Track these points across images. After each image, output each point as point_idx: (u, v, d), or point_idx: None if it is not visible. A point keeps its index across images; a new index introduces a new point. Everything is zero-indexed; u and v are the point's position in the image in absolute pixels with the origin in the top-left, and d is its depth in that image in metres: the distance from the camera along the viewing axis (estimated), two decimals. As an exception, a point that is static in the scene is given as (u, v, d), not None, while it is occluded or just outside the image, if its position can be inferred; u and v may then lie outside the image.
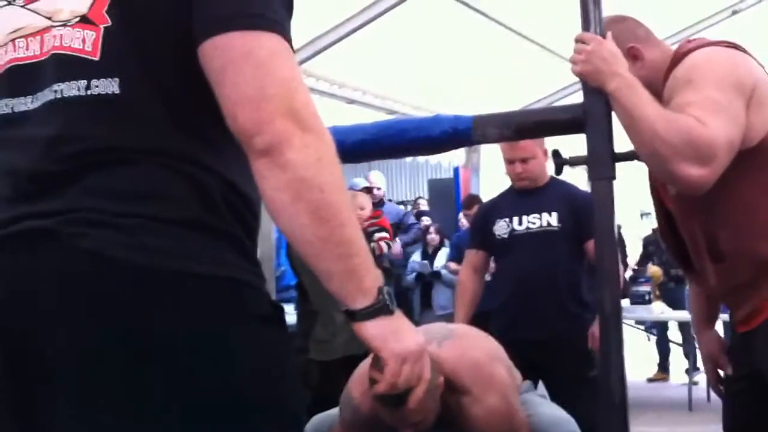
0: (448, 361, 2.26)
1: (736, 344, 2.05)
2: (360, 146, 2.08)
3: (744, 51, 1.91)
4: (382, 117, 5.92)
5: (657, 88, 1.90)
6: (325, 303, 4.61)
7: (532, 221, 3.47)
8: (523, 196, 3.56)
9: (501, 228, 3.54)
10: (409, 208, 8.84)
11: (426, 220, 8.04)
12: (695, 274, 2.07)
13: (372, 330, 1.15)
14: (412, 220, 7.26)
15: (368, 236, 4.91)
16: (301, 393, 1.20)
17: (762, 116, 1.82)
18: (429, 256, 7.48)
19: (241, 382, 1.08)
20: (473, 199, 6.77)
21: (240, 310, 1.10)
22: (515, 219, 3.52)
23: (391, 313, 1.16)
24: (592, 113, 1.90)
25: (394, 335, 1.16)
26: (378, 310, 1.14)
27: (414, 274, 7.37)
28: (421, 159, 8.22)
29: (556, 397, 3.02)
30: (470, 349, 2.37)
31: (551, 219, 3.44)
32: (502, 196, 3.76)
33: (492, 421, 2.27)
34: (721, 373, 2.15)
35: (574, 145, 2.01)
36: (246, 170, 1.11)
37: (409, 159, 8.35)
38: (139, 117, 1.11)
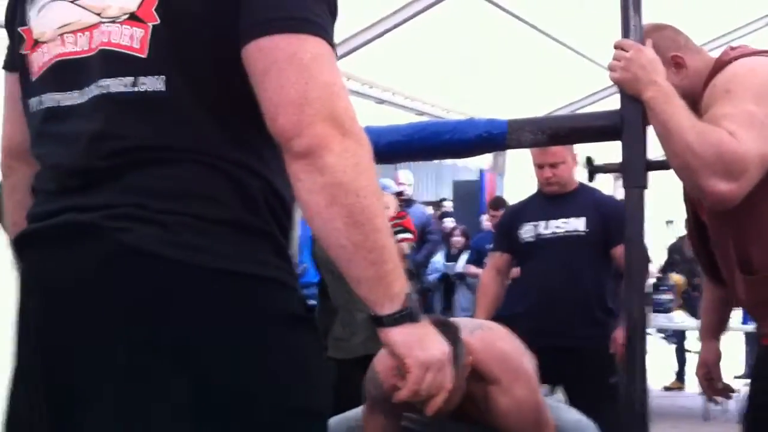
0: (477, 349, 2.26)
1: (760, 357, 2.05)
2: (393, 147, 2.09)
3: None
4: (411, 117, 5.93)
5: (697, 95, 1.89)
6: (344, 301, 4.63)
7: (560, 226, 3.47)
8: (551, 200, 3.56)
9: (527, 231, 3.54)
10: (431, 210, 8.83)
11: (450, 222, 8.03)
12: (722, 284, 2.07)
13: (397, 336, 1.15)
14: (433, 228, 7.17)
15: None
16: (328, 392, 1.21)
17: None
18: (453, 257, 7.48)
19: (276, 381, 1.10)
20: (500, 201, 6.76)
21: (275, 309, 1.12)
22: (542, 223, 3.51)
23: (417, 320, 1.16)
24: (628, 121, 1.90)
25: (419, 343, 1.16)
26: (404, 317, 1.15)
27: (437, 274, 7.37)
28: (447, 161, 8.21)
29: (575, 402, 3.02)
30: (500, 341, 2.39)
31: (579, 224, 3.44)
32: (530, 200, 3.76)
33: (520, 411, 2.27)
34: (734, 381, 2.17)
35: (601, 152, 2.01)
36: (282, 172, 1.13)
37: (435, 160, 8.34)
38: (183, 116, 1.13)
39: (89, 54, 1.18)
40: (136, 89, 1.13)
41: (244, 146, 1.14)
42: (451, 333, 1.96)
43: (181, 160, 1.12)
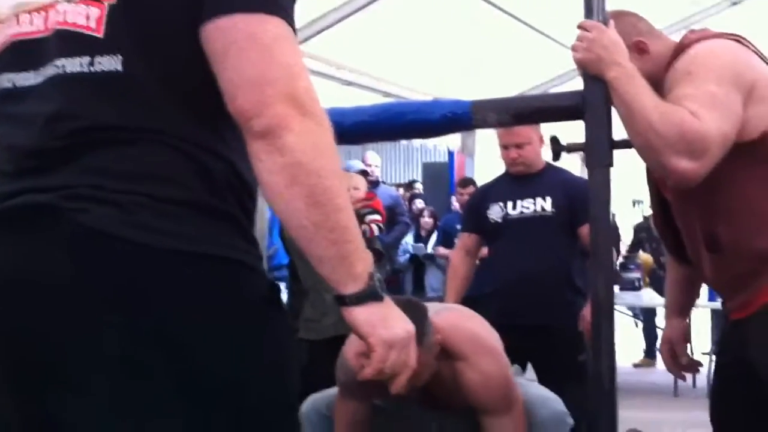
0: (445, 328, 2.29)
1: (728, 332, 2.07)
2: (358, 128, 2.08)
3: (747, 44, 1.92)
4: (378, 99, 5.92)
5: (659, 80, 1.91)
6: (314, 283, 4.63)
7: (526, 206, 3.49)
8: (517, 181, 3.57)
9: (495, 212, 3.55)
10: (402, 191, 8.84)
11: (420, 204, 8.04)
12: (686, 262, 2.09)
13: (360, 316, 1.15)
14: (402, 209, 7.15)
15: (360, 218, 4.91)
16: (296, 371, 1.21)
17: (762, 111, 1.82)
18: (422, 238, 7.50)
19: (239, 360, 1.09)
20: (468, 180, 6.79)
21: (239, 291, 1.11)
22: (509, 203, 3.53)
23: (380, 299, 1.16)
24: (591, 101, 1.91)
25: (383, 322, 1.17)
26: (367, 296, 1.15)
27: (407, 255, 7.39)
28: (416, 142, 8.21)
29: (545, 380, 3.05)
30: (467, 320, 2.42)
31: (545, 204, 3.46)
32: (497, 181, 3.77)
33: (488, 386, 2.31)
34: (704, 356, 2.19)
35: (570, 131, 2.02)
36: (245, 154, 1.12)
37: (404, 142, 8.35)
38: (142, 96, 1.11)
39: (45, 34, 1.16)
40: (92, 69, 1.12)
41: (205, 127, 1.13)
42: (417, 313, 1.97)
43: (139, 140, 1.10)
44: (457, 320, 2.40)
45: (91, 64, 1.12)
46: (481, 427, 2.40)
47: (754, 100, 1.81)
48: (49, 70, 1.14)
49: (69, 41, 1.14)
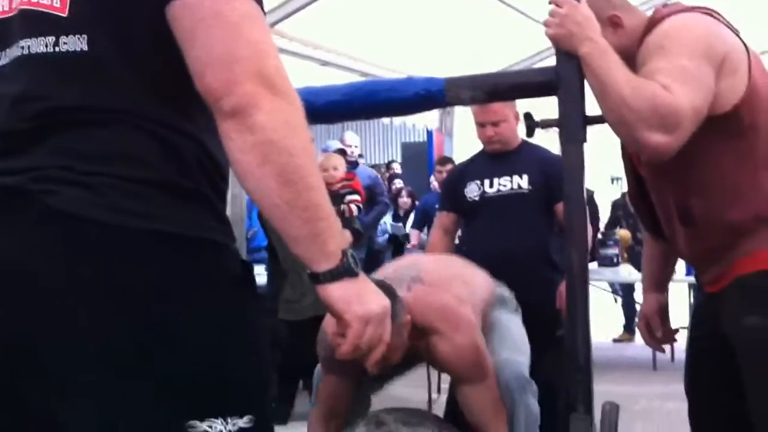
0: (415, 305, 2.35)
1: (701, 304, 2.10)
2: (331, 107, 2.08)
3: (719, 17, 1.92)
4: (355, 79, 5.88)
5: (633, 54, 1.91)
6: (293, 263, 4.63)
7: (503, 184, 3.49)
8: (494, 159, 3.57)
9: (472, 190, 3.56)
10: (382, 170, 8.83)
11: (399, 183, 8.04)
12: (661, 237, 2.11)
13: (335, 292, 1.16)
14: (382, 189, 7.14)
15: (340, 198, 4.91)
16: (268, 349, 1.22)
17: (733, 83, 1.83)
18: (401, 218, 7.50)
19: (212, 339, 1.09)
20: (447, 158, 6.79)
21: (211, 270, 1.11)
22: (486, 181, 3.53)
23: (355, 275, 1.17)
24: (564, 76, 1.91)
25: (358, 298, 1.18)
26: (342, 272, 1.15)
27: (386, 235, 7.39)
28: (395, 122, 8.18)
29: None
30: (438, 293, 2.44)
31: (522, 182, 3.47)
32: (474, 159, 3.77)
33: (460, 357, 2.38)
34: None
35: (548, 109, 2.02)
36: (215, 134, 1.11)
37: (383, 122, 8.33)
38: (109, 76, 1.10)
39: (10, 14, 1.15)
40: (57, 49, 1.11)
41: (173, 107, 1.12)
42: (387, 293, 1.99)
43: (107, 121, 1.09)
44: (427, 295, 2.43)
45: (56, 44, 1.11)
46: (458, 394, 2.46)
47: (725, 73, 1.82)
48: (14, 51, 1.13)
49: (33, 21, 1.12)
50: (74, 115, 1.10)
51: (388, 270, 2.58)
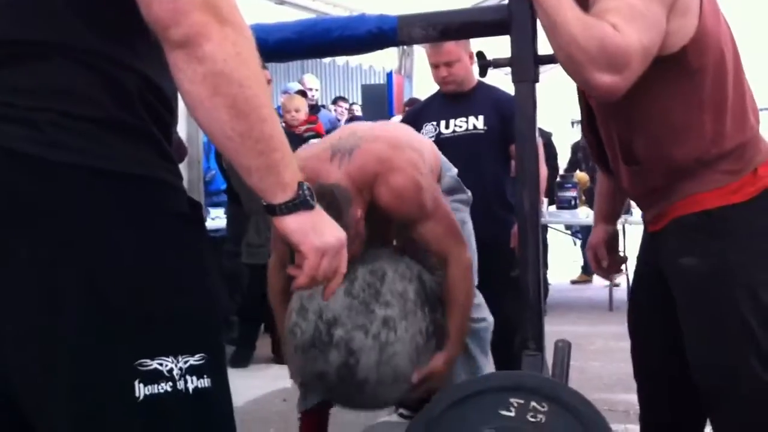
0: (353, 173, 2.33)
1: (644, 242, 2.13)
2: (283, 45, 2.05)
3: None
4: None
5: None
6: (257, 207, 4.59)
7: (459, 125, 3.49)
8: (450, 100, 3.57)
9: (429, 132, 3.55)
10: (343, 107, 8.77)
11: (359, 125, 7.96)
12: (611, 171, 2.13)
13: (292, 224, 1.16)
14: None
15: (303, 140, 4.88)
16: (217, 289, 1.21)
17: (683, 24, 1.83)
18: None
19: (159, 278, 1.08)
20: (415, 100, 6.77)
21: (157, 208, 1.10)
22: (442, 123, 3.53)
23: (311, 207, 1.17)
24: (516, 15, 1.91)
25: (313, 230, 1.18)
26: (298, 204, 1.15)
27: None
28: (353, 63, 8.11)
29: (483, 294, 3.11)
30: (373, 148, 2.39)
31: (477, 122, 3.47)
32: (430, 100, 3.76)
33: (400, 197, 2.35)
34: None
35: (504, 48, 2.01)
36: (160, 65, 1.09)
37: (341, 63, 8.24)
38: (48, 9, 1.07)
39: None
40: None
41: (115, 40, 1.09)
42: (335, 207, 2.00)
43: (47, 55, 1.06)
44: (366, 155, 2.37)
45: None
46: (414, 236, 2.47)
47: (676, 13, 1.82)
48: None
49: None
50: (12, 49, 1.06)
51: (334, 139, 2.50)
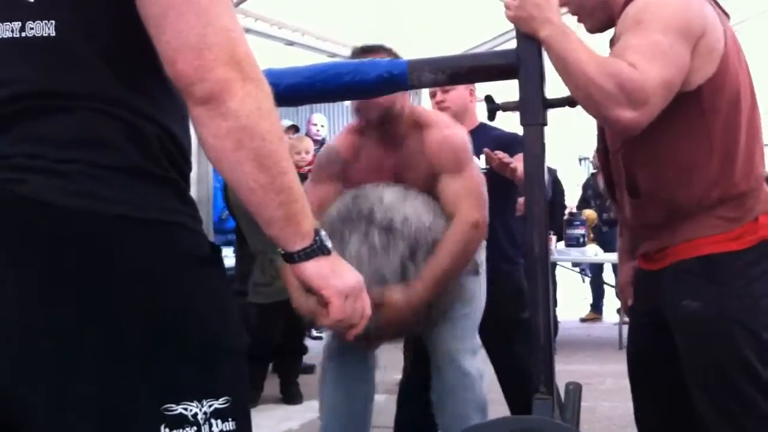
0: (415, 114, 2.76)
1: (640, 280, 2.13)
2: (295, 89, 2.07)
3: None
4: (322, 59, 5.86)
5: (613, 15, 1.94)
6: (262, 246, 4.62)
7: None
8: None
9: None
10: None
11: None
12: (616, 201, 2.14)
13: (311, 270, 1.20)
14: None
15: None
16: (240, 329, 1.22)
17: (704, 63, 1.84)
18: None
19: (185, 321, 1.10)
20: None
21: (181, 253, 1.12)
22: None
23: (328, 253, 1.21)
24: (525, 59, 1.92)
25: (333, 273, 1.22)
26: (315, 250, 1.19)
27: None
28: (361, 101, 8.15)
29: (490, 338, 3.11)
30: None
31: (479, 163, 3.46)
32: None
33: (446, 143, 2.67)
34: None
35: (510, 91, 2.03)
36: (179, 118, 1.13)
37: (348, 103, 8.29)
38: (75, 61, 1.10)
39: None
40: (24, 34, 1.10)
41: (138, 91, 1.12)
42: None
43: (73, 107, 1.09)
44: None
45: (23, 29, 1.10)
46: (438, 190, 2.65)
47: (700, 52, 1.83)
48: None
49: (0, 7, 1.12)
50: (40, 101, 1.09)
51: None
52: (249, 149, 1.08)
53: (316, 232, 1.19)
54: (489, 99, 2.09)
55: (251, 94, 1.08)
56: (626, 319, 6.89)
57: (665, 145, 1.89)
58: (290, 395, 5.00)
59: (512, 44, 2.00)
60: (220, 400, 1.10)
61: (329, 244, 1.21)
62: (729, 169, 1.88)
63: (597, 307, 8.44)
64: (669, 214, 1.91)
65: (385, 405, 3.83)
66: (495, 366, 3.18)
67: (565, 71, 1.82)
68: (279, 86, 2.00)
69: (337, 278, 1.22)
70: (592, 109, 1.83)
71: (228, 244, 5.71)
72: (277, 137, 1.11)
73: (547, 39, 1.84)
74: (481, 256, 2.86)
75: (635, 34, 1.82)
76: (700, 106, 1.86)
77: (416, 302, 2.49)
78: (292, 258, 1.19)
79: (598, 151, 2.20)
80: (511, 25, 1.93)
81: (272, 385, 5.07)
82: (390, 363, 2.86)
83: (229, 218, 5.82)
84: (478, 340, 2.74)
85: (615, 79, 1.75)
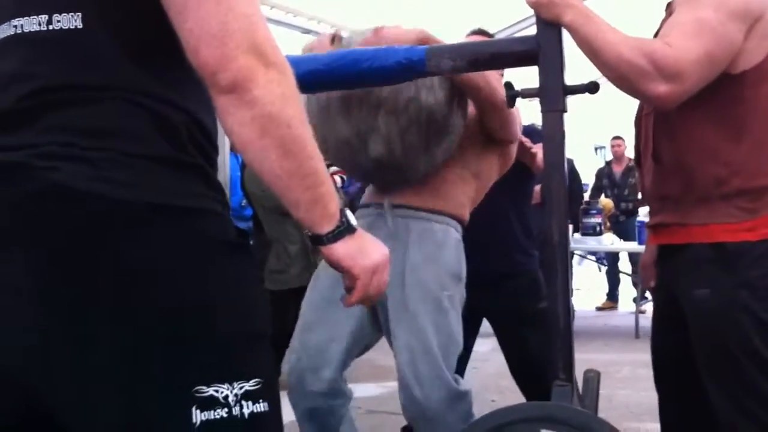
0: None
1: (658, 263, 2.12)
2: (313, 76, 2.07)
3: None
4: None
5: None
6: (277, 234, 4.64)
7: None
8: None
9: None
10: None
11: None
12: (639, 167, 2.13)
13: (340, 250, 1.23)
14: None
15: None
16: (267, 313, 1.24)
17: (756, 47, 1.81)
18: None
19: (218, 305, 1.10)
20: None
21: (209, 238, 1.12)
22: None
23: (354, 231, 1.24)
24: (545, 46, 1.91)
25: (361, 252, 1.26)
26: (343, 231, 1.22)
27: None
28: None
29: (506, 329, 3.10)
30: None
31: None
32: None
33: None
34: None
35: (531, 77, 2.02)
36: (204, 104, 1.13)
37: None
38: (102, 53, 1.11)
39: None
40: (51, 27, 1.11)
41: (164, 80, 1.13)
42: None
43: (101, 98, 1.10)
44: None
45: (50, 22, 1.11)
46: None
47: (755, 33, 1.80)
48: (6, 30, 1.14)
49: (26, 0, 1.13)
50: (68, 93, 1.10)
51: None
52: (274, 137, 1.09)
53: (341, 212, 1.21)
54: (509, 86, 2.08)
55: (274, 80, 1.08)
56: (642, 308, 6.89)
57: (695, 120, 1.87)
58: None
59: (531, 30, 1.99)
60: (251, 382, 1.11)
61: (354, 222, 1.23)
62: (756, 161, 1.86)
63: (613, 295, 8.43)
64: (685, 189, 1.90)
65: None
66: (507, 356, 3.17)
67: (594, 53, 1.81)
68: (297, 73, 1.98)
69: (365, 256, 1.26)
70: (626, 86, 1.81)
71: (248, 231, 5.71)
72: (301, 122, 1.12)
73: (571, 23, 1.83)
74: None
75: (687, 8, 1.80)
76: (741, 92, 1.83)
77: None
78: (320, 240, 1.21)
79: (636, 118, 2.17)
80: (531, 11, 1.92)
81: (283, 371, 5.09)
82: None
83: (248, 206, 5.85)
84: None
85: (646, 56, 1.74)
